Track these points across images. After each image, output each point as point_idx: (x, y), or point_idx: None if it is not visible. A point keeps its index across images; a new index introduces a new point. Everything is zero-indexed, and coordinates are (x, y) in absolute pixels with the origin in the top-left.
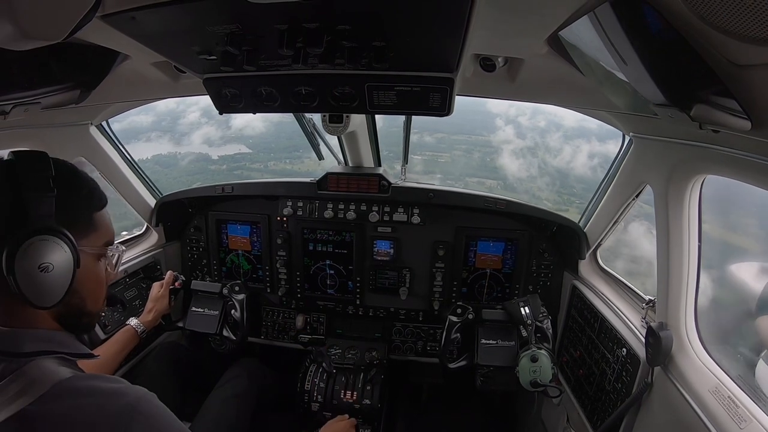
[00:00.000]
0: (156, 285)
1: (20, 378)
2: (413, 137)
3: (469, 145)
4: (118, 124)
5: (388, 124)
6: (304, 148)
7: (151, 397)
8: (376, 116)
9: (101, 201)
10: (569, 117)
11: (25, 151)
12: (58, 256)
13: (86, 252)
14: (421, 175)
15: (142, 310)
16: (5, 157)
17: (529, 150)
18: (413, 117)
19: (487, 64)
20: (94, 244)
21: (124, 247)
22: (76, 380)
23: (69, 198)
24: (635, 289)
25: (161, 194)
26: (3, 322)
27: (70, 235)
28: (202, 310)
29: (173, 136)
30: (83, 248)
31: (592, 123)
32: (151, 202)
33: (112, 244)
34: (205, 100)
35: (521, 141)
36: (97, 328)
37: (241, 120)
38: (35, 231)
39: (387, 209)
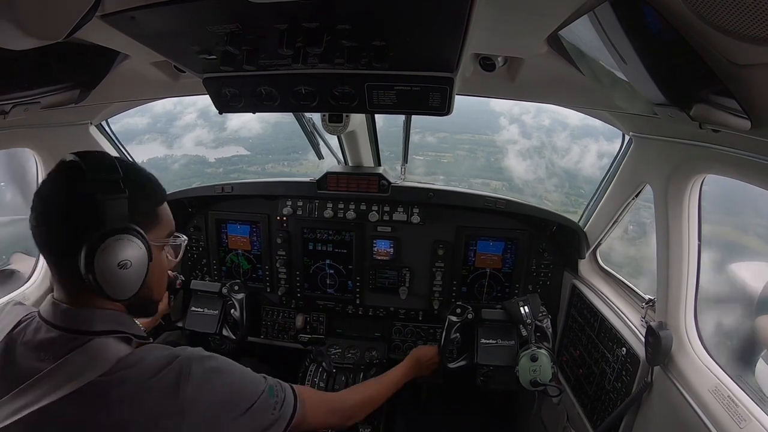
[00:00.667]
0: None
1: (89, 351)
2: (415, 137)
3: (472, 144)
4: (113, 125)
5: (388, 124)
6: (303, 149)
7: (205, 352)
8: (376, 116)
9: (163, 195)
10: (574, 115)
11: (89, 153)
12: (135, 252)
13: (153, 245)
14: (422, 177)
15: None
16: (71, 159)
17: (536, 150)
18: (414, 116)
19: (486, 63)
20: (158, 237)
21: (185, 237)
22: (139, 351)
23: (137, 196)
24: (635, 289)
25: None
26: (72, 302)
27: (143, 232)
28: (201, 310)
29: (169, 138)
30: (151, 242)
31: (597, 121)
32: None
33: (173, 234)
34: (203, 102)
35: (527, 141)
36: None
37: (237, 121)
38: (113, 231)
39: (387, 209)
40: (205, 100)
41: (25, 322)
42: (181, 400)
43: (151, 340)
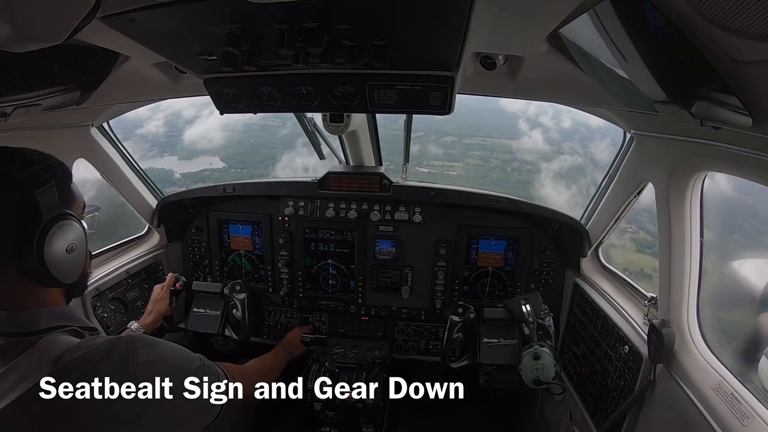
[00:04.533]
0: (157, 287)
1: (39, 350)
2: (415, 146)
3: (484, 150)
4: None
5: (388, 128)
6: (283, 158)
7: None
8: (377, 115)
9: (70, 172)
10: (593, 117)
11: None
12: (76, 234)
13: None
14: None
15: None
16: None
17: (578, 169)
18: (416, 121)
19: (487, 62)
20: (78, 212)
21: (97, 205)
22: (85, 341)
23: (58, 181)
24: (637, 287)
25: (162, 195)
26: (11, 306)
27: (74, 213)
28: (203, 311)
29: (138, 149)
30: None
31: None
32: (153, 202)
33: (86, 206)
34: (173, 108)
35: (561, 155)
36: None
37: (197, 129)
38: (54, 219)
39: (388, 208)
40: (176, 106)
41: None
42: (132, 368)
43: (101, 332)
